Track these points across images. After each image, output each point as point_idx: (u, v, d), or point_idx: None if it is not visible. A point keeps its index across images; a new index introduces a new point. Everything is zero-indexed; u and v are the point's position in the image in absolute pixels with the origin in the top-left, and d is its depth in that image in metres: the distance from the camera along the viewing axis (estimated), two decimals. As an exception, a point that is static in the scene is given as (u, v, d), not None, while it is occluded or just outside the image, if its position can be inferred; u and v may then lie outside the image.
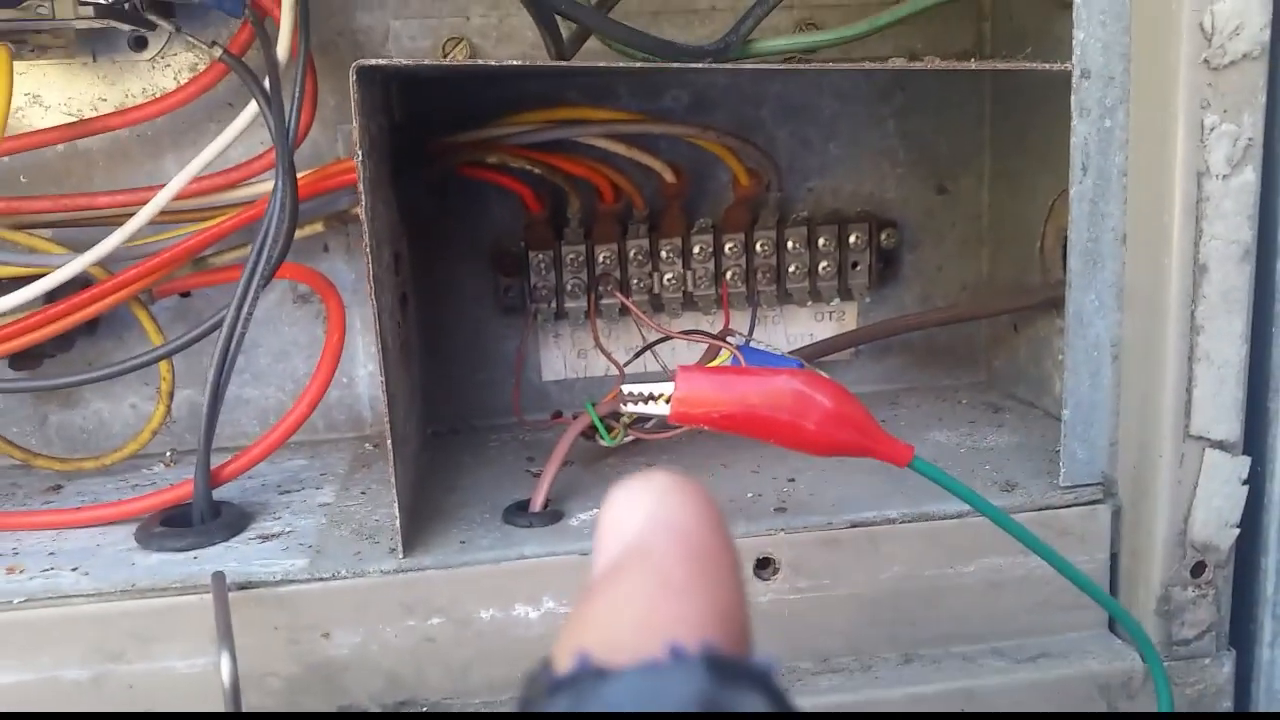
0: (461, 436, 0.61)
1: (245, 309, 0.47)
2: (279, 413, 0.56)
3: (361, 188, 0.42)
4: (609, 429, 0.51)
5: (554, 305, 0.60)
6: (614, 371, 0.60)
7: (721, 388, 0.41)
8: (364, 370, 0.61)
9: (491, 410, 0.62)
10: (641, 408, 0.42)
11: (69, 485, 0.54)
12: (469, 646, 0.44)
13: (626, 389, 0.42)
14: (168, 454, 0.58)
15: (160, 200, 0.49)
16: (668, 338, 0.58)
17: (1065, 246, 0.46)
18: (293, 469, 0.56)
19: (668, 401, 0.42)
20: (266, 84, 0.48)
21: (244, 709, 0.39)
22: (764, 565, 0.46)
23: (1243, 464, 0.45)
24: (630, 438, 0.52)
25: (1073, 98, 0.44)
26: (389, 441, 0.43)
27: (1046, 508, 0.47)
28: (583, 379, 0.63)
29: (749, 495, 0.49)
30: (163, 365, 0.55)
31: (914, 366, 0.66)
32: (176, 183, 0.50)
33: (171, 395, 0.55)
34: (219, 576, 0.42)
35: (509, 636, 0.44)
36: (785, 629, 0.46)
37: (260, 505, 0.51)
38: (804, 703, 0.44)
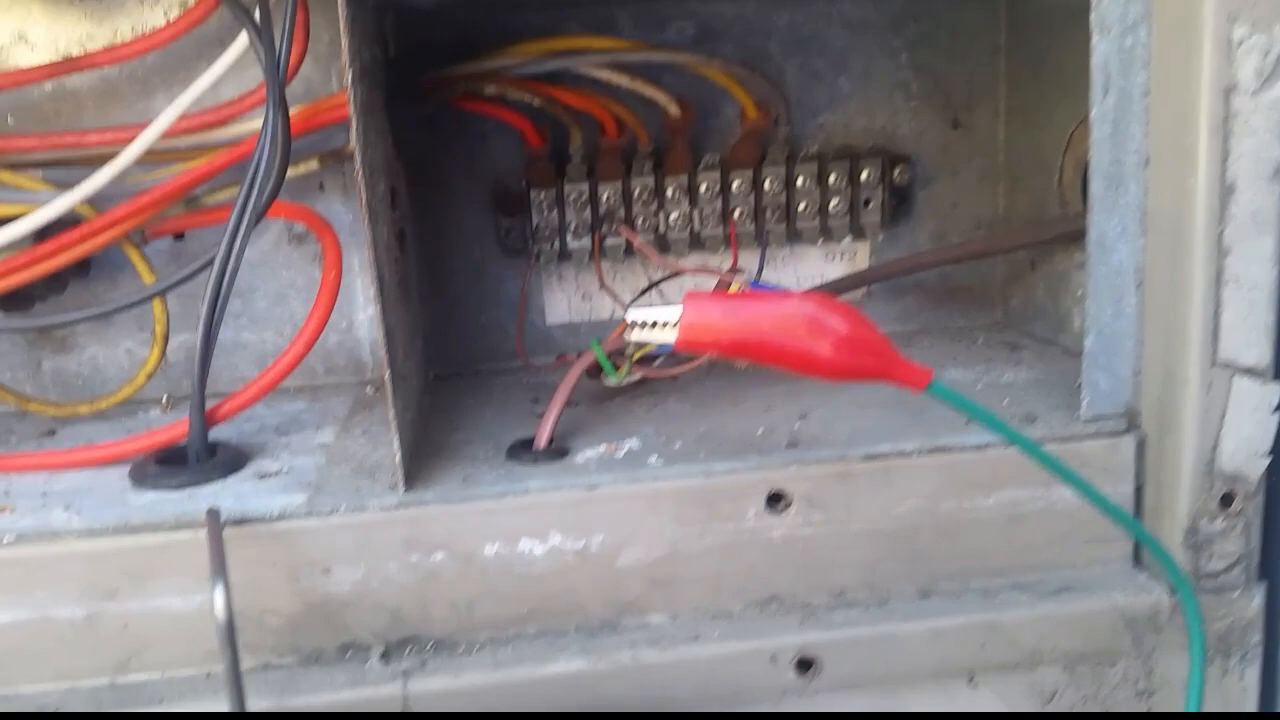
0: (465, 380, 0.59)
1: (236, 245, 0.46)
2: (277, 356, 0.54)
3: (352, 111, 0.40)
4: (615, 367, 0.50)
5: (557, 245, 0.59)
6: (620, 314, 0.58)
7: (731, 312, 0.40)
8: (364, 314, 0.59)
9: (496, 353, 0.61)
10: (648, 334, 0.40)
11: (63, 430, 0.53)
12: (473, 582, 0.43)
13: (632, 315, 0.41)
14: (164, 398, 0.56)
15: (149, 135, 0.48)
16: (676, 274, 0.57)
17: (1084, 178, 0.44)
18: (292, 412, 0.55)
19: (675, 328, 0.40)
20: (258, 16, 0.47)
21: (241, 647, 0.38)
22: (776, 500, 0.44)
23: (1273, 391, 0.44)
24: (637, 376, 0.51)
25: (1092, 14, 0.42)
26: (387, 374, 0.42)
27: (1069, 439, 0.45)
28: (588, 322, 0.62)
29: (760, 431, 0.48)
30: (157, 307, 0.53)
31: (929, 306, 0.65)
32: (166, 117, 0.48)
33: (167, 338, 0.54)
34: (213, 512, 0.41)
35: (514, 572, 0.43)
36: (799, 563, 0.44)
37: (258, 446, 0.49)
38: (818, 637, 0.43)
